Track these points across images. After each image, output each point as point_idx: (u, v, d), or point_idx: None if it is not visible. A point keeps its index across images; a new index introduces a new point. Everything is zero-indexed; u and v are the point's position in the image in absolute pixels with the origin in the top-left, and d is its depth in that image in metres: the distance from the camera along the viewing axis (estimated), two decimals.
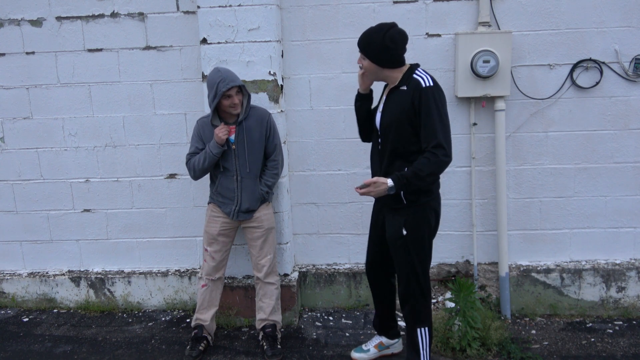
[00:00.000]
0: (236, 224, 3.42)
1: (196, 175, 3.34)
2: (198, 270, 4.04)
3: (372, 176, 2.90)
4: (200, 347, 3.40)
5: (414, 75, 2.67)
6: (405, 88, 2.68)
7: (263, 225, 3.39)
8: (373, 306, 3.36)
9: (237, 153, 3.26)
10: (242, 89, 3.23)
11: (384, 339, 3.32)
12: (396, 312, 3.34)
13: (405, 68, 2.74)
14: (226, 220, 3.38)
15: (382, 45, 2.62)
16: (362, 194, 2.72)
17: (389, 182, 2.64)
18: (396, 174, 2.66)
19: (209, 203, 3.47)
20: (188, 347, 3.44)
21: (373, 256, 3.14)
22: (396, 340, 3.34)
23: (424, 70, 2.72)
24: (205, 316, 3.46)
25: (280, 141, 3.45)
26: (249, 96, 3.29)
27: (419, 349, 2.91)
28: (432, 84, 2.63)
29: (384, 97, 2.84)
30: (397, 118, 2.69)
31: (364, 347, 3.34)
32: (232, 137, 3.24)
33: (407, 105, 2.64)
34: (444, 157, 2.58)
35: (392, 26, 2.66)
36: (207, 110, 3.55)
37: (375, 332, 3.37)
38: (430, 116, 2.58)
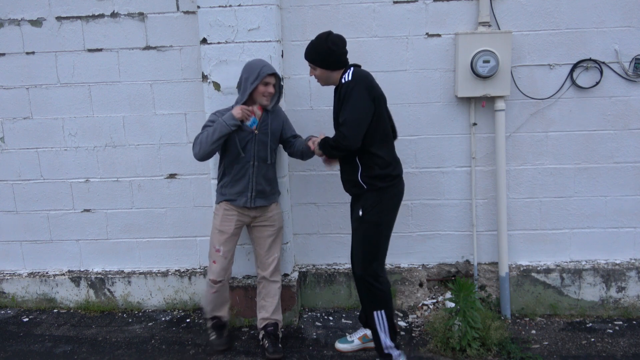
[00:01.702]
0: (247, 220, 3.39)
1: (202, 150, 3.17)
2: (198, 270, 4.04)
3: (341, 169, 3.18)
4: (225, 334, 3.52)
5: (344, 76, 2.95)
6: (339, 87, 2.98)
7: (275, 224, 3.43)
8: None
9: (257, 139, 3.26)
10: (277, 82, 3.27)
11: (368, 332, 3.40)
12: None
13: (345, 69, 3.01)
14: (240, 218, 3.35)
15: (327, 50, 2.93)
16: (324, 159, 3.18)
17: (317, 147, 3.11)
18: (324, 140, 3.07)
19: (219, 202, 3.39)
20: (213, 336, 3.50)
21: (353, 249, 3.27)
22: None
23: (353, 67, 2.97)
24: (222, 313, 3.54)
25: None
26: (280, 93, 3.34)
27: (377, 332, 3.06)
28: (349, 79, 2.90)
29: None
30: (335, 116, 3.04)
31: (348, 338, 3.45)
32: (255, 118, 3.20)
33: (337, 102, 2.98)
34: (342, 139, 2.87)
35: (330, 33, 2.97)
36: (207, 110, 3.56)
37: (361, 325, 3.47)
38: (346, 104, 2.88)
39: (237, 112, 3.15)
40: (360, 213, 2.99)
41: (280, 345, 3.41)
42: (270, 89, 3.21)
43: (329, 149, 2.99)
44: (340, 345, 3.42)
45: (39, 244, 4.15)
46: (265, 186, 3.34)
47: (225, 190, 3.36)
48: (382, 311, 3.05)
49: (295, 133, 3.47)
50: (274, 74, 3.23)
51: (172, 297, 4.06)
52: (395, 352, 3.09)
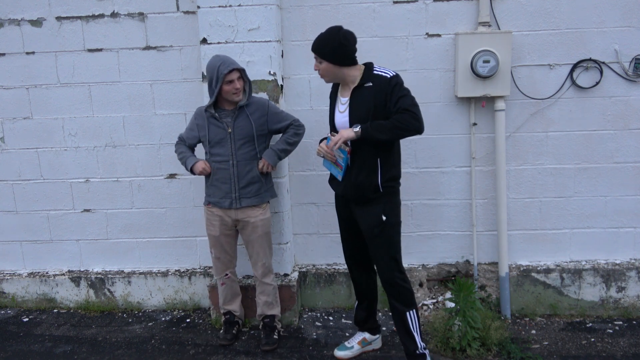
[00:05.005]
0: (231, 222, 3.37)
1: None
2: (198, 270, 4.04)
3: (351, 171, 2.93)
4: (234, 331, 3.56)
5: (376, 72, 2.84)
6: (370, 84, 2.81)
7: (258, 230, 3.36)
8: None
9: (234, 137, 3.22)
10: (243, 75, 3.21)
11: (367, 335, 3.37)
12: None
13: (362, 67, 2.89)
14: (224, 221, 3.36)
15: (339, 44, 2.78)
16: (333, 143, 2.81)
17: (355, 127, 2.78)
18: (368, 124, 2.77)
19: (205, 204, 3.41)
20: (222, 331, 3.59)
21: (351, 250, 3.24)
22: (377, 335, 3.40)
23: (381, 66, 2.89)
24: (233, 306, 3.59)
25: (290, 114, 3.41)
26: (250, 83, 3.27)
27: (411, 332, 2.98)
28: (394, 74, 2.82)
29: (343, 98, 2.93)
30: (369, 113, 2.80)
31: (347, 344, 3.38)
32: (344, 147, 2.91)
33: (379, 99, 2.79)
34: (416, 119, 2.72)
35: (341, 27, 2.84)
36: None
37: (358, 329, 3.42)
38: (401, 94, 2.76)
39: (196, 169, 3.28)
40: (384, 218, 2.88)
41: (275, 337, 3.48)
42: (237, 85, 3.14)
43: (390, 130, 2.72)
44: (340, 353, 3.34)
45: (39, 244, 4.15)
46: (250, 182, 3.28)
47: (210, 192, 3.36)
48: (414, 310, 2.97)
49: (288, 122, 3.33)
50: (235, 69, 3.12)
51: (172, 297, 4.06)
52: (427, 352, 3.01)
